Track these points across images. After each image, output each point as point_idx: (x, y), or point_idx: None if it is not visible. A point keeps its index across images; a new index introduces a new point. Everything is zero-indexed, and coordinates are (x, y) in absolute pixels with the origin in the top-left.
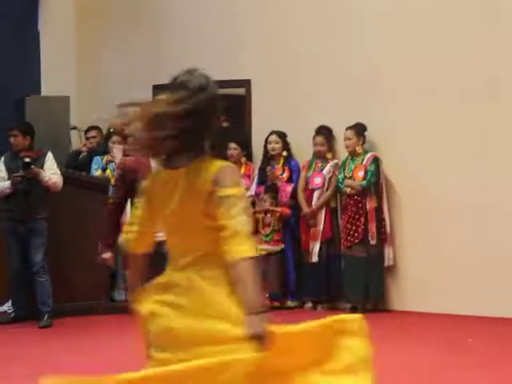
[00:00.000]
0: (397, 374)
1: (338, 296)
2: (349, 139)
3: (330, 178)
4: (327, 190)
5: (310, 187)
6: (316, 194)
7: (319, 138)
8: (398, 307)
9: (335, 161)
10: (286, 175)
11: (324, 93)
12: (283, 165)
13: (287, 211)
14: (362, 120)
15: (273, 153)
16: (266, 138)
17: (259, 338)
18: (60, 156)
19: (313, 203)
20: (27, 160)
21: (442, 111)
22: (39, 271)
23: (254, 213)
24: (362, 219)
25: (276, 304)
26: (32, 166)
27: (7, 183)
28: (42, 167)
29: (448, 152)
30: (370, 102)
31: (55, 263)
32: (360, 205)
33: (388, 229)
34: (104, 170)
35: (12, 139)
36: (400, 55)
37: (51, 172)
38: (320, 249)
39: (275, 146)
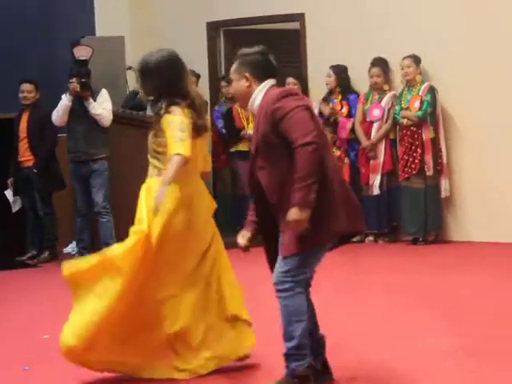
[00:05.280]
0: (462, 302)
1: (399, 228)
2: (408, 67)
3: (389, 110)
4: (386, 121)
5: (369, 119)
6: (375, 126)
7: (375, 70)
8: (458, 238)
9: (393, 92)
10: (345, 110)
11: (377, 25)
12: (341, 99)
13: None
14: (415, 51)
15: (327, 87)
16: None
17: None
18: (117, 96)
19: (372, 136)
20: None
21: (498, 39)
22: (101, 212)
23: None
24: (419, 150)
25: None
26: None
27: (65, 97)
28: None
29: (504, 80)
30: (423, 33)
31: (118, 204)
32: (416, 136)
33: (445, 160)
34: None
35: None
36: None
37: (101, 107)
38: (381, 181)
39: (328, 79)
